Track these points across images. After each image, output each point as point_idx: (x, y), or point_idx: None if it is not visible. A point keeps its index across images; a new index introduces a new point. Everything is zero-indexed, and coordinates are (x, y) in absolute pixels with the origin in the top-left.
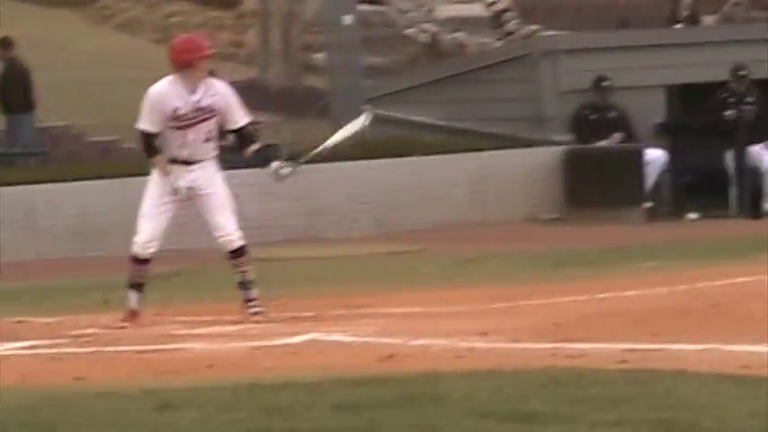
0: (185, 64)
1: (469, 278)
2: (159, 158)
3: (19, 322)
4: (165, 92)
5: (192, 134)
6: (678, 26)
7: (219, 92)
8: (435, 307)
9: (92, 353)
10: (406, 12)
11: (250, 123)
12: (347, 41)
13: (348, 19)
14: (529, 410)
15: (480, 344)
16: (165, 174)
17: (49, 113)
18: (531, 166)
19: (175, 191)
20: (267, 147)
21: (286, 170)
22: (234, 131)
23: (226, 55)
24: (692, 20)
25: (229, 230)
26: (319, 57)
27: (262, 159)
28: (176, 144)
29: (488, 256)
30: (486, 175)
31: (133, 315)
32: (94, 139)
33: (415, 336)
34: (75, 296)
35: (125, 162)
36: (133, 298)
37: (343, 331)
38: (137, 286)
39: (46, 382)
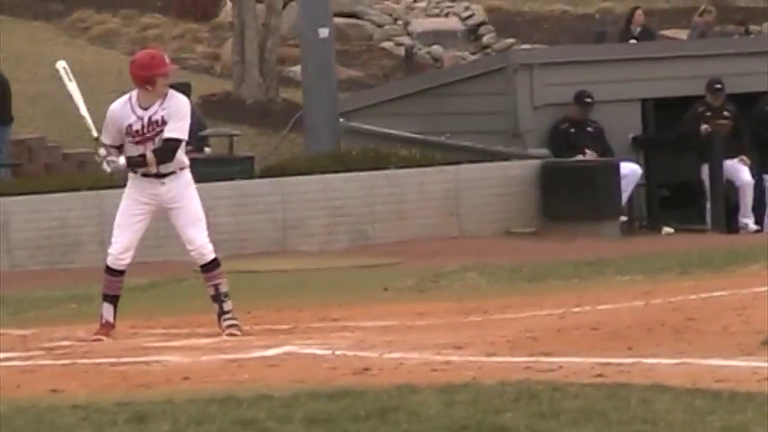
0: (145, 80)
1: (445, 291)
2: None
3: None
4: (120, 109)
5: (149, 148)
6: (632, 42)
7: (172, 104)
8: (411, 320)
9: (67, 365)
10: (382, 25)
11: (173, 140)
12: (323, 55)
13: (324, 32)
14: (504, 424)
15: (455, 357)
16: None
17: (24, 125)
18: (507, 180)
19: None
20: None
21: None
22: (163, 140)
23: (201, 68)
24: (647, 36)
25: (200, 244)
26: (295, 70)
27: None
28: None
29: (464, 270)
30: (462, 189)
31: (108, 327)
32: (70, 151)
33: (390, 349)
34: (50, 308)
35: (100, 174)
36: (108, 310)
37: (318, 344)
38: (111, 298)
39: (20, 394)
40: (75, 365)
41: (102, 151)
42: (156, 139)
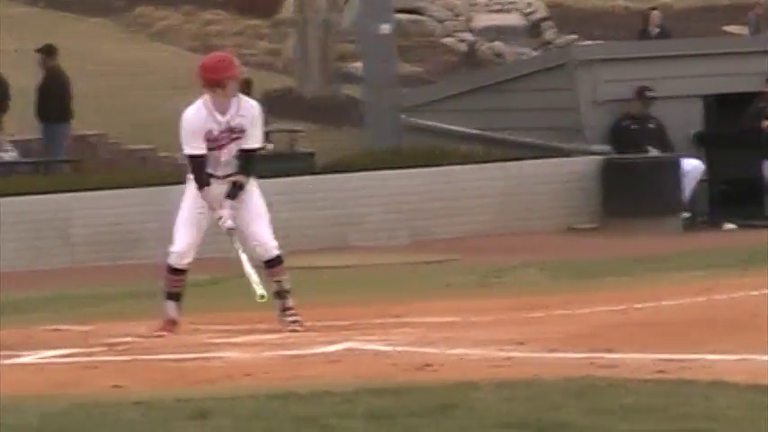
0: (215, 83)
1: (506, 287)
2: (210, 198)
3: (55, 330)
4: (196, 115)
5: (224, 155)
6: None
7: (248, 113)
8: (472, 316)
9: (128, 361)
10: (444, 21)
11: (255, 150)
12: (384, 50)
13: (385, 28)
14: (564, 420)
15: (516, 353)
16: (213, 209)
17: (85, 122)
18: (568, 176)
19: (226, 230)
20: (240, 186)
21: (229, 223)
22: (242, 150)
23: (263, 64)
24: (664, 36)
25: (265, 240)
26: (356, 66)
27: (232, 191)
28: (211, 164)
29: (525, 266)
30: (523, 185)
31: (172, 324)
32: (131, 147)
33: (451, 345)
34: (111, 304)
35: (161, 170)
36: (172, 307)
37: (379, 340)
38: (175, 296)
39: (82, 390)
40: (137, 361)
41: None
42: (233, 145)
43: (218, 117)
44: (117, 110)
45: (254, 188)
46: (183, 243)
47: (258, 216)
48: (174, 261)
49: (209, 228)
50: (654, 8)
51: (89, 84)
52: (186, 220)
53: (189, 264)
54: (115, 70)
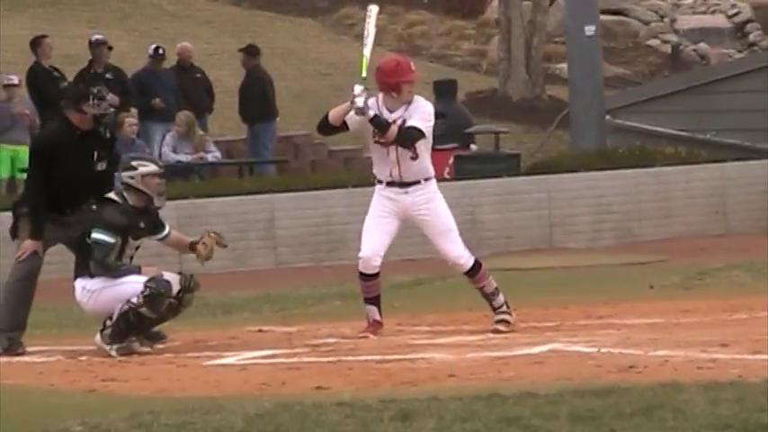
0: (390, 87)
1: (710, 289)
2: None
3: (260, 331)
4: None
5: (392, 153)
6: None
7: (413, 107)
8: (676, 318)
9: (332, 362)
10: (649, 22)
11: (415, 129)
12: (589, 52)
13: (590, 29)
14: None
15: (721, 355)
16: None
17: (290, 122)
18: None
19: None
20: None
21: (360, 100)
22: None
23: (468, 65)
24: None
25: (455, 256)
26: (561, 67)
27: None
28: (382, 162)
29: (729, 267)
30: (728, 186)
31: (376, 325)
32: (336, 148)
33: (655, 346)
34: (315, 305)
35: (365, 171)
36: (373, 311)
37: (583, 341)
38: (373, 300)
39: (286, 391)
40: (341, 362)
41: (359, 89)
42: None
43: (386, 114)
44: (322, 110)
45: (437, 202)
46: (368, 248)
47: (444, 232)
48: (362, 267)
49: (399, 232)
50: None
51: (294, 84)
52: (371, 225)
53: (377, 267)
54: (320, 70)
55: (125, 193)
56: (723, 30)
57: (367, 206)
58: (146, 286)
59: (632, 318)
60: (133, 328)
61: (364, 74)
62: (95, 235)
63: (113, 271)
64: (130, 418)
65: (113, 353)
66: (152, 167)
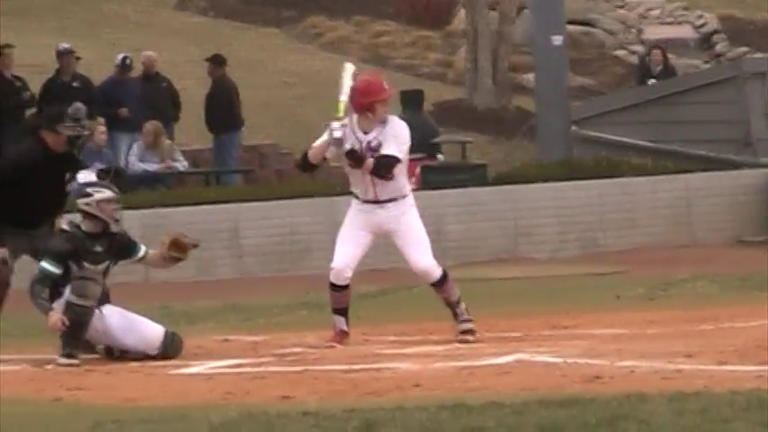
0: (364, 107)
1: (675, 300)
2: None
3: (225, 341)
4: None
5: (367, 175)
6: (651, 81)
7: (389, 129)
8: (641, 328)
9: (297, 372)
10: (615, 33)
11: (391, 157)
12: (555, 62)
13: (557, 39)
14: None
15: (686, 366)
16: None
17: (256, 132)
18: (738, 189)
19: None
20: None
21: (337, 132)
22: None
23: (434, 75)
24: (668, 74)
25: (424, 266)
26: (528, 77)
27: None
28: (359, 183)
29: (694, 278)
30: (693, 197)
31: (342, 335)
32: None
33: (620, 357)
34: (281, 315)
35: (331, 181)
36: (340, 321)
37: (549, 352)
38: (341, 311)
39: (251, 400)
40: (306, 372)
41: (336, 124)
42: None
43: (360, 135)
44: (288, 120)
45: (410, 215)
46: (340, 260)
47: (415, 243)
48: (333, 277)
49: (371, 246)
50: (656, 47)
51: (259, 93)
52: (345, 237)
53: (348, 279)
54: (286, 80)
55: (80, 219)
56: (689, 40)
57: (332, 216)
58: (72, 277)
59: (597, 328)
60: (80, 324)
61: (341, 114)
62: (42, 263)
63: (35, 299)
64: (94, 427)
65: (61, 360)
66: (107, 194)
